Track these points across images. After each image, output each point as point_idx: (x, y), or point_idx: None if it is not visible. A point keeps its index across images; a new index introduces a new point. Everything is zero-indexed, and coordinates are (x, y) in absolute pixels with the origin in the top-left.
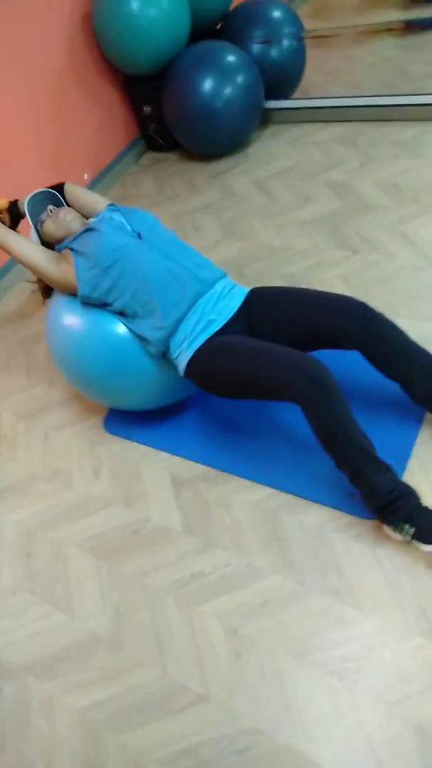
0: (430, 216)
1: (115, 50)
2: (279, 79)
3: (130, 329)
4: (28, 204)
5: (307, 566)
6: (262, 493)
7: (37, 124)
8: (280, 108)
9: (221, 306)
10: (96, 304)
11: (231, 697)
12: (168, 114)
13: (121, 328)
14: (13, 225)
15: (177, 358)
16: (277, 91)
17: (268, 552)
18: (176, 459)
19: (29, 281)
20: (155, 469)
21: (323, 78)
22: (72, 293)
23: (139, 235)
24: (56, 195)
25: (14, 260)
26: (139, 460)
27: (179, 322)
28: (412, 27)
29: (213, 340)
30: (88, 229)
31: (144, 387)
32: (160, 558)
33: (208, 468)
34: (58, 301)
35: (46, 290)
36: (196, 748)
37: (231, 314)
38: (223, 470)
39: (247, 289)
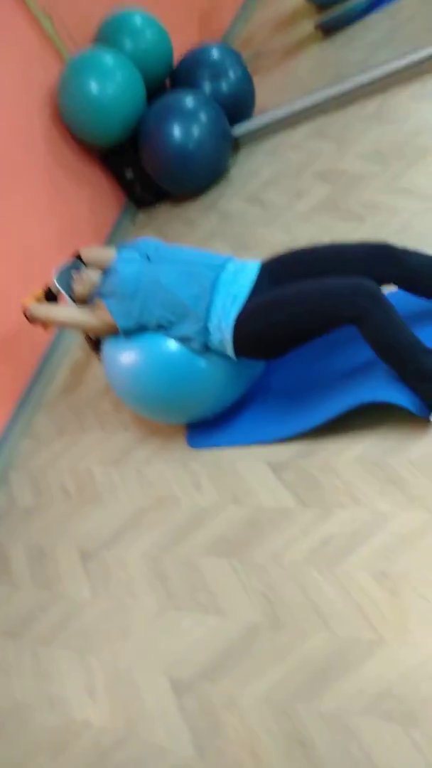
0: (420, 164)
1: (87, 131)
2: (236, 106)
3: (173, 337)
4: (57, 281)
5: (430, 495)
6: (359, 447)
7: (39, 218)
8: (247, 131)
9: (241, 280)
10: (136, 330)
11: (405, 632)
12: (150, 170)
13: (168, 343)
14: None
15: (222, 341)
16: (239, 117)
17: (387, 495)
18: (265, 447)
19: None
20: (250, 463)
21: (274, 93)
22: (116, 333)
23: (148, 258)
24: (76, 261)
25: (63, 330)
26: (233, 461)
27: (208, 308)
28: (327, 29)
29: (246, 307)
30: (107, 274)
31: (208, 390)
32: (287, 536)
33: (299, 444)
34: (107, 346)
35: (96, 344)
36: (390, 688)
37: (252, 283)
38: (308, 430)
39: (258, 261)
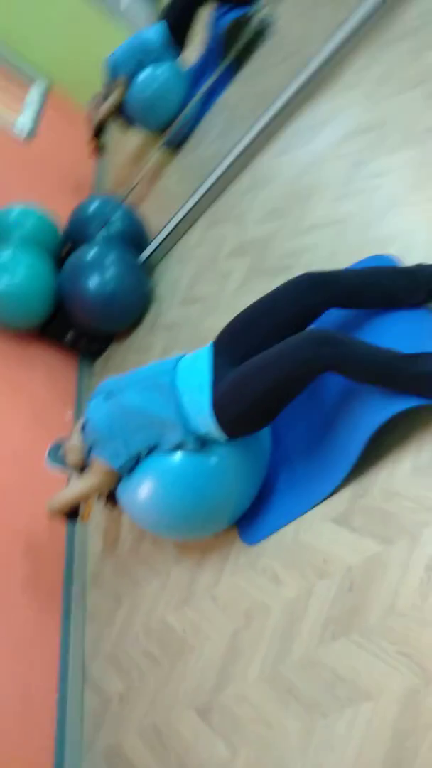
0: (312, 200)
1: (11, 320)
2: (134, 238)
3: (166, 450)
4: (51, 463)
5: None
6: (406, 460)
7: (7, 420)
8: (152, 252)
9: (198, 367)
10: (134, 464)
11: None
12: (85, 324)
13: (168, 458)
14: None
15: (209, 431)
16: (141, 245)
17: None
18: (318, 507)
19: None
20: (314, 529)
21: (159, 213)
22: (120, 477)
23: (110, 395)
24: (60, 438)
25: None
26: (296, 536)
27: (179, 409)
28: (175, 144)
29: (217, 390)
30: (84, 429)
31: (230, 480)
32: (390, 581)
33: (348, 488)
34: (120, 493)
35: (110, 498)
36: None
37: (210, 365)
38: (348, 471)
39: (208, 345)
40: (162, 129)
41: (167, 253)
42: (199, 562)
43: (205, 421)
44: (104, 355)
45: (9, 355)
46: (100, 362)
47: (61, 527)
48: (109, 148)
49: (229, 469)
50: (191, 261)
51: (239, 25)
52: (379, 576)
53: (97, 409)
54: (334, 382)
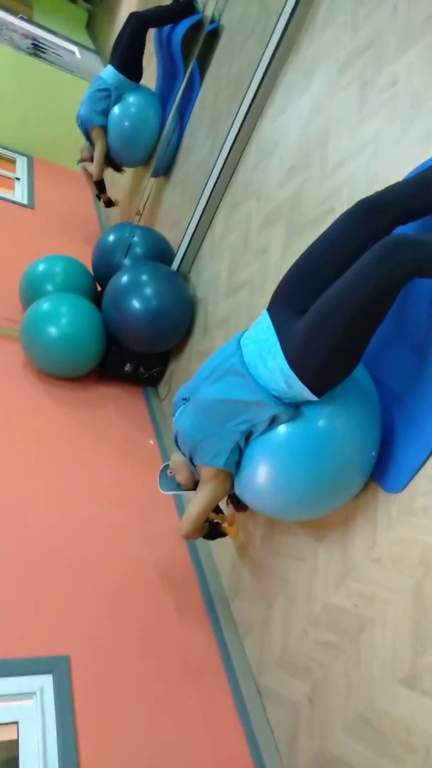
0: (330, 140)
1: (70, 365)
2: (160, 253)
3: (265, 430)
4: (165, 490)
5: None
6: None
7: (99, 490)
8: (181, 259)
9: (260, 335)
10: (238, 456)
11: None
12: (140, 350)
13: (271, 437)
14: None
15: (297, 394)
16: (169, 258)
17: None
18: None
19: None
20: None
21: (174, 225)
22: (231, 477)
23: (188, 399)
24: (165, 466)
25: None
26: None
27: (258, 382)
28: (163, 172)
29: (292, 347)
30: (177, 443)
31: (346, 435)
32: None
33: None
34: (236, 490)
35: (234, 499)
36: None
37: (270, 326)
38: None
39: (263, 312)
40: (150, 158)
41: (196, 255)
42: (344, 531)
43: (288, 385)
44: (166, 376)
45: (76, 402)
46: (163, 384)
47: (182, 552)
48: (109, 191)
49: (338, 423)
50: (223, 252)
51: (194, 32)
52: None
53: (181, 419)
54: (421, 301)
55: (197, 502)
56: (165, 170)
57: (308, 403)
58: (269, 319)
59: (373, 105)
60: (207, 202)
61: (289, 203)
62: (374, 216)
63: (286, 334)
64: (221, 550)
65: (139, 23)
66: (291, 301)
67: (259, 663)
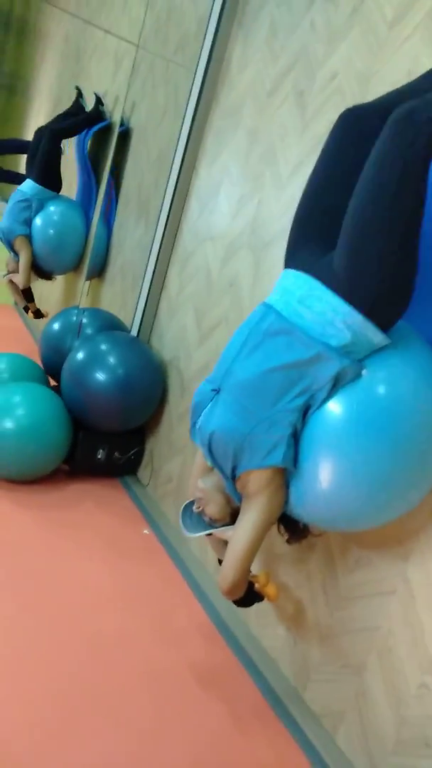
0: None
1: (36, 462)
2: (112, 327)
3: (328, 397)
4: (192, 532)
5: None
6: None
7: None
8: (138, 328)
9: (293, 288)
10: (294, 447)
11: None
12: (111, 429)
13: (334, 407)
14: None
15: (361, 334)
16: (122, 330)
17: None
18: None
19: None
20: None
21: (123, 305)
22: (283, 482)
23: (217, 391)
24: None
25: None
26: None
27: (311, 332)
28: (94, 274)
29: (336, 282)
30: (208, 454)
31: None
32: None
33: None
34: (297, 509)
35: (291, 524)
36: None
37: (305, 273)
38: None
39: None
40: (80, 261)
41: (153, 321)
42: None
43: (346, 325)
44: (145, 457)
45: (51, 503)
46: (144, 467)
47: (217, 645)
48: (38, 295)
49: (412, 374)
50: (184, 305)
51: (102, 136)
52: None
53: (213, 417)
54: None
55: (244, 531)
56: (99, 271)
57: (372, 355)
58: (297, 270)
59: (315, 104)
60: (154, 270)
61: (249, 228)
62: (364, 122)
63: (323, 272)
64: (267, 630)
65: (53, 136)
66: (311, 243)
67: (369, 758)
